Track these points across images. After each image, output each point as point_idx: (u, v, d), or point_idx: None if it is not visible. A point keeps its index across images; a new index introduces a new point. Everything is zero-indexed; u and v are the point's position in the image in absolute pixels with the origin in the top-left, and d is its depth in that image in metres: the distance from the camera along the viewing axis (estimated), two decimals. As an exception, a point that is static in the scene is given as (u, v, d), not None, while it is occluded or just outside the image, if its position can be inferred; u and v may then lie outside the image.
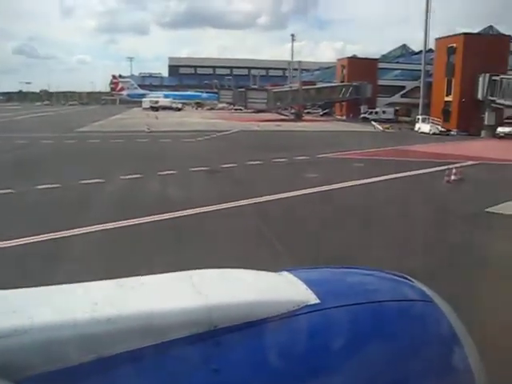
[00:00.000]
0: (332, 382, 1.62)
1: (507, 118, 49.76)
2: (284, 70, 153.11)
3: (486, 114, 48.48)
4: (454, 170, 19.96)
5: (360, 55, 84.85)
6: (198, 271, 1.94)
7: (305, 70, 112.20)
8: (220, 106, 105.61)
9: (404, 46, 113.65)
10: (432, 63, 66.03)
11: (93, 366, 1.35)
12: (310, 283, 1.88)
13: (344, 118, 75.93)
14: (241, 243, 10.73)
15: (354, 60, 78.26)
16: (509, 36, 54.41)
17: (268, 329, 1.60)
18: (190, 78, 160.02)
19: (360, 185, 18.64)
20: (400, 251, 10.11)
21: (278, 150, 29.14)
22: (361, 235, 11.96)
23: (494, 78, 47.39)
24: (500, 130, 45.81)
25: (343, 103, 78.40)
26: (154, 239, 10.97)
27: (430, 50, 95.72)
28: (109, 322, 1.41)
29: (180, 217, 12.78)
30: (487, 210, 14.87)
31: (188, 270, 1.92)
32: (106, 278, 1.75)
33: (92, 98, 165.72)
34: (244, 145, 34.19)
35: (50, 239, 10.34)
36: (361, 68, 74.37)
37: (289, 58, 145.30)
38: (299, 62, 75.36)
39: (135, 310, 1.50)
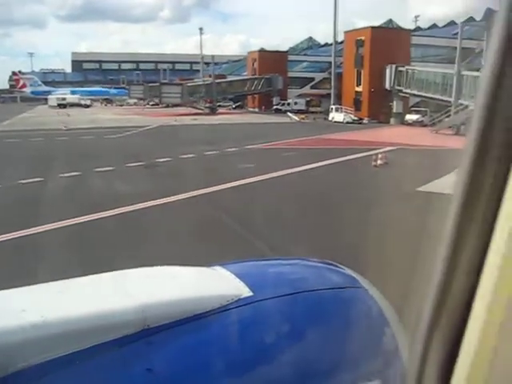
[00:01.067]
0: (269, 373, 1.64)
1: (412, 106, 52.93)
2: (191, 63, 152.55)
3: (394, 102, 51.45)
4: (379, 155, 21.33)
5: (264, 48, 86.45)
6: (128, 271, 1.94)
7: (214, 63, 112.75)
8: (130, 101, 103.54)
9: (310, 39, 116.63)
10: (340, 55, 69.35)
11: (22, 374, 1.30)
12: (242, 276, 1.90)
13: (257, 110, 77.25)
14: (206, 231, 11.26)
15: (264, 53, 79.62)
16: (409, 30, 58.06)
17: (202, 324, 1.61)
18: (95, 74, 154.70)
19: (300, 171, 19.60)
20: (357, 226, 11.10)
21: (205, 143, 29.32)
22: (322, 214, 12.92)
23: (400, 68, 50.39)
24: (408, 117, 48.94)
25: (255, 96, 79.56)
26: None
27: (336, 43, 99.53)
28: (36, 328, 1.36)
29: (146, 208, 13.24)
30: (418, 189, 16.15)
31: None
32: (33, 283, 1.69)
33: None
34: (170, 139, 34.30)
35: None
36: (271, 61, 75.77)
37: (193, 52, 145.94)
38: (212, 56, 75.50)
39: (64, 314, 1.46)
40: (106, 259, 8.37)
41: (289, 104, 71.88)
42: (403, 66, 50.16)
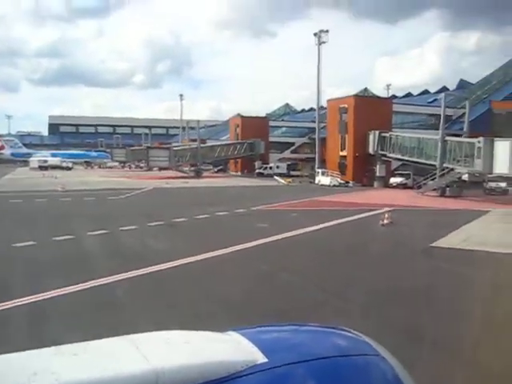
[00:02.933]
0: None
1: (394, 170, 55.45)
2: (167, 128, 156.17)
3: (377, 166, 53.76)
4: (386, 215, 22.81)
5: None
6: (142, 335, 1.96)
7: (190, 127, 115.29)
8: (109, 164, 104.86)
9: (287, 105, 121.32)
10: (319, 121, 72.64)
11: None
12: (256, 342, 1.90)
13: (239, 173, 78.93)
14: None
15: (246, 119, 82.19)
16: (391, 98, 61.63)
17: None
18: (72, 137, 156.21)
19: (312, 231, 20.64)
20: (383, 284, 12.38)
21: (209, 204, 30.26)
22: (344, 269, 14.11)
23: (383, 134, 53.08)
24: (393, 180, 51.42)
25: (237, 159, 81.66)
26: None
27: (312, 109, 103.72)
28: None
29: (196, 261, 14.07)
30: (431, 245, 17.57)
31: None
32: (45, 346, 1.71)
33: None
34: (173, 201, 35.19)
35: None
36: (253, 126, 78.29)
37: (166, 117, 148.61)
38: (198, 121, 77.54)
39: (78, 378, 1.45)
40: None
41: (271, 168, 73.72)
42: (386, 132, 52.90)
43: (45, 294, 10.11)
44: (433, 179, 43.71)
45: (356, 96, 59.78)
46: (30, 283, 11.18)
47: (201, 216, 24.58)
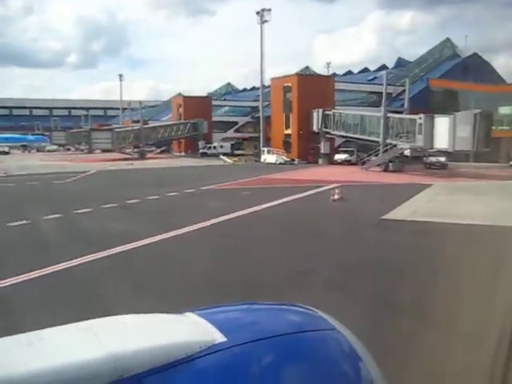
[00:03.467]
0: None
1: (338, 147, 56.54)
2: (105, 109, 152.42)
3: (322, 143, 54.68)
4: (336, 191, 23.41)
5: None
6: (98, 320, 1.93)
7: (131, 109, 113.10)
8: (48, 148, 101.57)
9: (229, 84, 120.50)
10: (258, 100, 72.93)
11: None
12: (214, 322, 1.92)
13: (183, 154, 78.31)
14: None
15: (189, 98, 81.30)
16: (333, 76, 62.62)
17: (176, 372, 1.59)
18: (5, 120, 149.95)
19: (266, 208, 21.04)
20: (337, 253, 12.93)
21: (158, 185, 30.13)
22: (303, 244, 14.56)
23: (326, 112, 53.95)
24: (337, 157, 52.51)
25: (181, 140, 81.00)
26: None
27: (254, 88, 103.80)
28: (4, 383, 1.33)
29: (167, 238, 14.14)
30: (382, 217, 18.24)
31: None
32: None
33: None
34: (122, 183, 34.69)
35: None
36: (196, 106, 77.65)
37: (103, 98, 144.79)
38: (140, 101, 76.24)
39: (34, 368, 1.43)
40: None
41: (215, 147, 73.45)
42: (330, 110, 53.78)
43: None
44: (376, 155, 44.93)
45: (299, 75, 60.45)
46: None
47: (152, 197, 24.50)
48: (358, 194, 26.07)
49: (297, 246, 14.26)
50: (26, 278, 10.06)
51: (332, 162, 52.75)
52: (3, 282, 9.77)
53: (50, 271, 10.66)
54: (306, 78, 60.94)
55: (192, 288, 9.68)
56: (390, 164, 42.44)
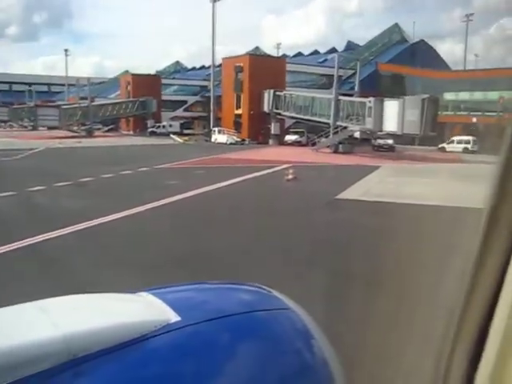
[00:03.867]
0: None
1: (288, 128, 57.20)
2: (49, 85, 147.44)
3: (272, 124, 55.25)
4: (290, 171, 23.83)
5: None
6: (49, 300, 1.89)
7: (72, 85, 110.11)
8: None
9: (177, 63, 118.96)
10: (208, 79, 72.77)
11: None
12: (169, 301, 1.90)
13: (131, 132, 77.35)
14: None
15: (138, 76, 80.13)
16: (284, 57, 63.04)
17: (130, 352, 1.58)
18: None
19: (222, 187, 21.21)
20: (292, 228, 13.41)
21: (111, 163, 29.79)
22: (260, 221, 14.92)
23: (277, 93, 54.38)
24: (288, 138, 53.16)
25: (129, 118, 79.88)
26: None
27: (203, 67, 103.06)
28: None
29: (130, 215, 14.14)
30: (336, 197, 18.83)
31: None
32: None
33: None
34: (71, 161, 33.91)
35: None
36: (145, 84, 76.59)
37: (44, 73, 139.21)
38: (89, 78, 74.51)
39: None
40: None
41: (164, 126, 73.00)
42: (281, 91, 54.17)
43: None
44: (326, 137, 45.73)
45: (251, 55, 60.59)
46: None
47: (107, 175, 24.12)
48: (311, 175, 26.57)
49: (254, 222, 14.70)
50: None
51: (282, 143, 53.37)
52: None
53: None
54: (258, 58, 61.08)
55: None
56: (340, 146, 43.27)
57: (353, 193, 20.04)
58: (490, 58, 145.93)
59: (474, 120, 52.40)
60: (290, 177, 23.41)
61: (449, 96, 54.68)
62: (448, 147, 48.97)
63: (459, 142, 48.92)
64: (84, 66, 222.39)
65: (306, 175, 25.40)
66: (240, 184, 22.69)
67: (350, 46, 76.38)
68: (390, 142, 45.90)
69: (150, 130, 72.84)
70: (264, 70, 55.09)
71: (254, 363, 1.82)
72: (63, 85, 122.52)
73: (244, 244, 11.93)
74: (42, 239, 11.34)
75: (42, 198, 18.11)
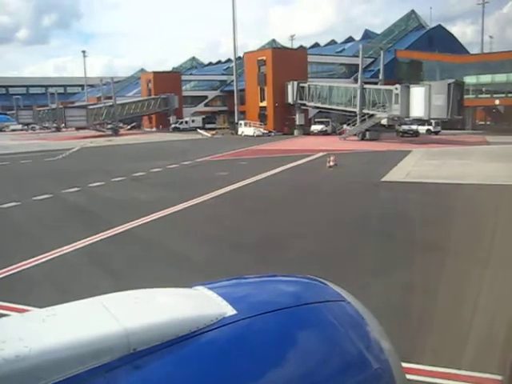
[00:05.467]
0: None
1: (310, 119, 58.51)
2: (65, 86, 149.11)
3: (297, 115, 56.56)
4: (331, 158, 25.11)
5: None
6: (110, 295, 1.98)
7: (90, 85, 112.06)
8: (12, 127, 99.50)
9: (193, 59, 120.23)
10: (229, 73, 74.60)
11: None
12: (224, 295, 1.97)
13: (154, 129, 79.02)
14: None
15: (158, 74, 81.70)
16: (305, 49, 64.46)
17: (188, 346, 1.64)
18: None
19: (273, 175, 22.67)
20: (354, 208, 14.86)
21: (154, 158, 30.86)
22: (325, 202, 16.39)
23: (301, 84, 55.65)
24: (313, 127, 54.58)
25: (151, 116, 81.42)
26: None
27: (220, 62, 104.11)
28: (19, 359, 1.36)
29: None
30: (381, 180, 20.19)
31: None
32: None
33: None
34: (114, 158, 35.14)
35: None
36: (165, 81, 78.18)
37: (55, 74, 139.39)
38: (112, 78, 76.11)
39: (48, 343, 1.46)
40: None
41: (187, 122, 74.39)
42: (305, 82, 55.49)
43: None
44: (353, 125, 46.87)
45: (273, 48, 62.24)
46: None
47: (155, 169, 25.25)
48: (349, 161, 27.79)
49: (320, 203, 16.13)
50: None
51: (307, 133, 54.69)
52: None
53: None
54: (280, 51, 62.57)
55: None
56: (367, 133, 44.48)
57: (395, 176, 21.34)
58: (505, 39, 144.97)
59: (497, 102, 53.13)
60: (332, 163, 24.68)
61: (469, 79, 55.44)
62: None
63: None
64: (95, 66, 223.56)
65: (344, 162, 26.56)
66: (287, 172, 24.15)
67: (368, 35, 77.23)
68: (415, 127, 47.06)
69: (172, 126, 74.31)
70: (286, 62, 56.69)
71: (310, 356, 1.83)
72: (78, 85, 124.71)
73: (330, 216, 13.34)
74: (139, 223, 12.95)
75: (109, 192, 19.21)
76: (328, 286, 2.30)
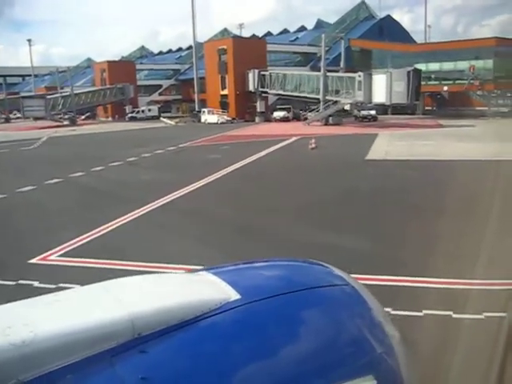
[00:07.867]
0: (263, 375, 1.68)
1: (271, 105, 60.45)
2: (4, 76, 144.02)
3: (258, 103, 58.41)
4: (313, 140, 26.99)
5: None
6: (114, 280, 1.97)
7: (29, 75, 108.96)
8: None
9: (143, 48, 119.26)
10: (181, 62, 76.93)
11: None
12: (229, 280, 1.97)
13: (110, 119, 78.64)
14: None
15: (113, 63, 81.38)
16: (265, 39, 66.38)
17: (193, 330, 1.65)
18: None
19: (261, 157, 24.14)
20: (344, 184, 17.00)
21: (136, 146, 30.83)
22: (320, 178, 18.38)
23: (263, 72, 57.53)
24: (276, 114, 56.36)
25: (106, 105, 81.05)
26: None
27: (170, 51, 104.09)
28: (25, 344, 1.37)
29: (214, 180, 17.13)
30: (365, 158, 22.20)
31: None
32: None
33: None
34: (96, 146, 35.13)
35: None
36: (120, 70, 77.87)
37: None
38: (68, 67, 75.46)
39: (53, 328, 1.47)
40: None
41: (143, 111, 74.41)
42: (266, 70, 57.43)
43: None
44: (317, 111, 49.06)
45: (234, 37, 63.82)
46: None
47: (146, 155, 26.05)
48: (326, 144, 29.43)
49: (315, 181, 17.72)
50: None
51: (268, 120, 56.62)
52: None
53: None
54: (241, 40, 64.11)
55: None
56: (330, 118, 46.81)
57: (375, 155, 23.42)
58: (441, 28, 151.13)
59: (445, 88, 56.47)
60: (314, 145, 26.51)
61: (419, 67, 58.57)
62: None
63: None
64: (28, 55, 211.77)
65: (323, 144, 28.21)
66: (273, 154, 25.79)
67: (320, 24, 79.53)
68: (373, 112, 49.72)
69: (129, 115, 74.07)
70: (246, 51, 58.33)
71: (314, 340, 1.87)
72: (17, 76, 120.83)
73: (327, 190, 15.22)
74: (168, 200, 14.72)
75: (116, 175, 20.17)
76: (332, 270, 2.33)
